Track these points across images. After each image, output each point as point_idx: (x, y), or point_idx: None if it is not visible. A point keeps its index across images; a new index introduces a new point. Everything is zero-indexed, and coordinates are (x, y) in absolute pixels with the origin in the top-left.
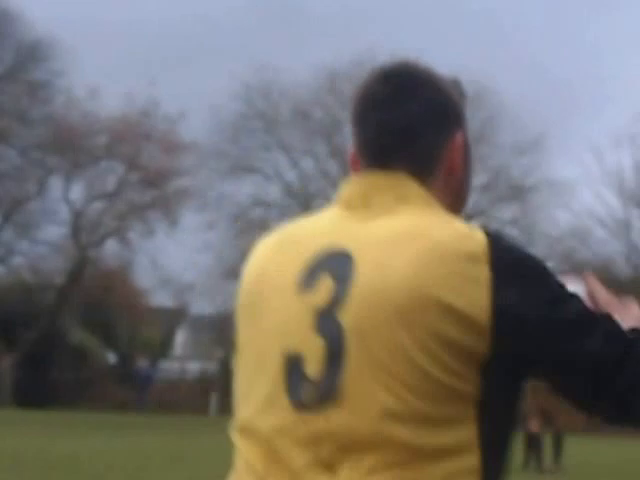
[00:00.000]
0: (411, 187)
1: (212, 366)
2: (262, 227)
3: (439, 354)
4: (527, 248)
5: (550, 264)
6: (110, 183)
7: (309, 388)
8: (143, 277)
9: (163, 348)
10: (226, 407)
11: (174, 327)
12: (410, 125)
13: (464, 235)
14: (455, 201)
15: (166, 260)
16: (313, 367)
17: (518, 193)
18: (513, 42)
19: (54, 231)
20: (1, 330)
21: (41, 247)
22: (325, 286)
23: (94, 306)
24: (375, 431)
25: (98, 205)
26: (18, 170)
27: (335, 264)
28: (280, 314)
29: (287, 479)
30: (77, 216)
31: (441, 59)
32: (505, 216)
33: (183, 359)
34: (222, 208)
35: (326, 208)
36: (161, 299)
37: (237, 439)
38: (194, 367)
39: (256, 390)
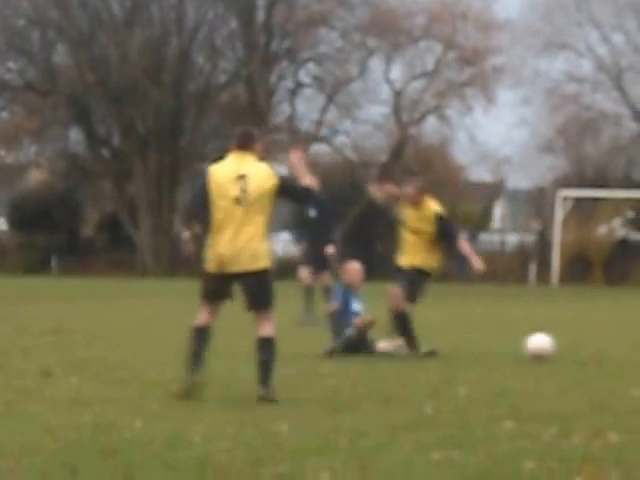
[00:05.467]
0: None
1: (530, 238)
2: (575, 102)
3: None
4: None
5: None
6: (428, 63)
7: None
8: (461, 153)
9: (482, 221)
10: (543, 277)
11: (492, 201)
12: None
13: None
14: None
15: (483, 136)
16: None
17: None
18: None
19: (376, 111)
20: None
21: (363, 126)
22: None
23: None
24: None
25: (417, 84)
26: (340, 52)
27: None
28: None
29: None
30: (397, 95)
31: None
32: None
33: (502, 231)
34: (536, 84)
35: None
36: (479, 174)
37: None
38: (512, 239)
39: None
